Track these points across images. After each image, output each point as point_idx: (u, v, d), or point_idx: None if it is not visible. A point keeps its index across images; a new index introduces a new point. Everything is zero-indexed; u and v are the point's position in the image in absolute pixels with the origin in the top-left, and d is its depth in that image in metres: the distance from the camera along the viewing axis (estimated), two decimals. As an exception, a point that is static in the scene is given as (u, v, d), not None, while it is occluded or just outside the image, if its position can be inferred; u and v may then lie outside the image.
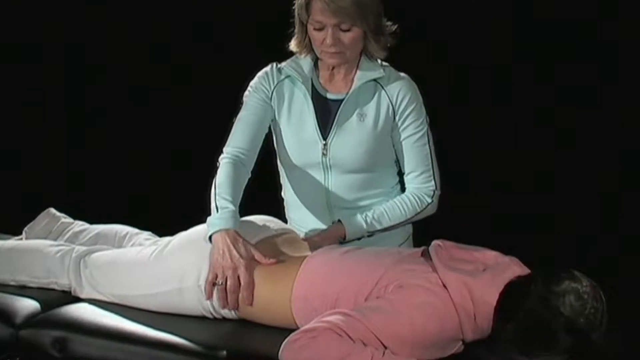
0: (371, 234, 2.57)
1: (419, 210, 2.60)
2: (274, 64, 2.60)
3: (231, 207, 2.37)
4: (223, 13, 3.62)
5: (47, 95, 3.82)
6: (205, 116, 3.60)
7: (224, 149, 2.53)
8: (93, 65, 3.79)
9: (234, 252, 2.30)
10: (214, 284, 2.30)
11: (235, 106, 2.56)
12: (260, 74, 2.61)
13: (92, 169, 3.85)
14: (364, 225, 2.55)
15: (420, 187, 2.61)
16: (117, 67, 3.76)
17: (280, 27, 2.56)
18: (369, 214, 2.57)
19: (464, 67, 3.36)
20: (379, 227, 2.56)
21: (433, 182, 2.61)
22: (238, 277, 2.28)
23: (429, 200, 2.61)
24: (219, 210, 2.37)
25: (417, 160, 2.59)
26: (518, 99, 3.39)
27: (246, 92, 2.60)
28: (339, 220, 2.57)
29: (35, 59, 3.81)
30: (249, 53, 3.13)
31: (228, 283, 2.28)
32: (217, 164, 2.51)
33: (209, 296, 2.30)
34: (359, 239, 2.56)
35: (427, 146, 2.60)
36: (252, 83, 2.61)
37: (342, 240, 2.55)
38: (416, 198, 2.61)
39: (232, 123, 2.58)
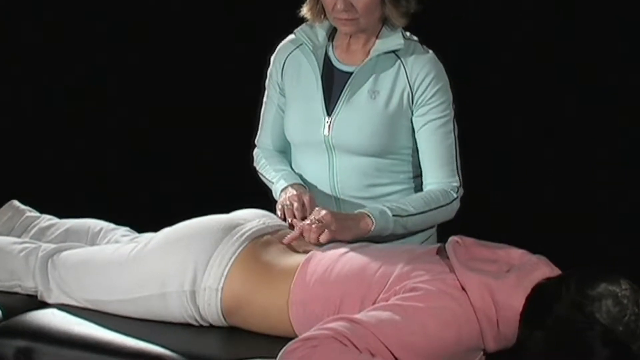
0: (396, 228, 2.37)
1: (442, 203, 2.42)
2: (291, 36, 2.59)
3: (287, 169, 2.53)
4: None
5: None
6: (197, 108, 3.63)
7: (256, 142, 2.66)
8: (76, 64, 3.78)
9: (300, 193, 2.42)
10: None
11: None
12: (276, 51, 2.58)
13: (60, 156, 3.80)
14: (387, 210, 2.34)
15: (441, 181, 2.45)
16: (114, 67, 3.76)
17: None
18: (387, 203, 2.39)
19: (464, 66, 3.31)
20: (403, 214, 2.36)
21: (457, 177, 2.47)
22: (303, 203, 2.38)
23: (454, 195, 2.45)
24: (276, 176, 2.50)
25: (439, 150, 2.44)
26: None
27: (268, 72, 2.60)
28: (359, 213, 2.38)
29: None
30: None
31: (294, 205, 2.38)
32: (253, 157, 2.65)
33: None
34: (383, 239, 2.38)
35: (452, 135, 2.46)
36: (270, 68, 2.60)
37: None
38: (440, 190, 2.44)
39: (261, 104, 2.64)
